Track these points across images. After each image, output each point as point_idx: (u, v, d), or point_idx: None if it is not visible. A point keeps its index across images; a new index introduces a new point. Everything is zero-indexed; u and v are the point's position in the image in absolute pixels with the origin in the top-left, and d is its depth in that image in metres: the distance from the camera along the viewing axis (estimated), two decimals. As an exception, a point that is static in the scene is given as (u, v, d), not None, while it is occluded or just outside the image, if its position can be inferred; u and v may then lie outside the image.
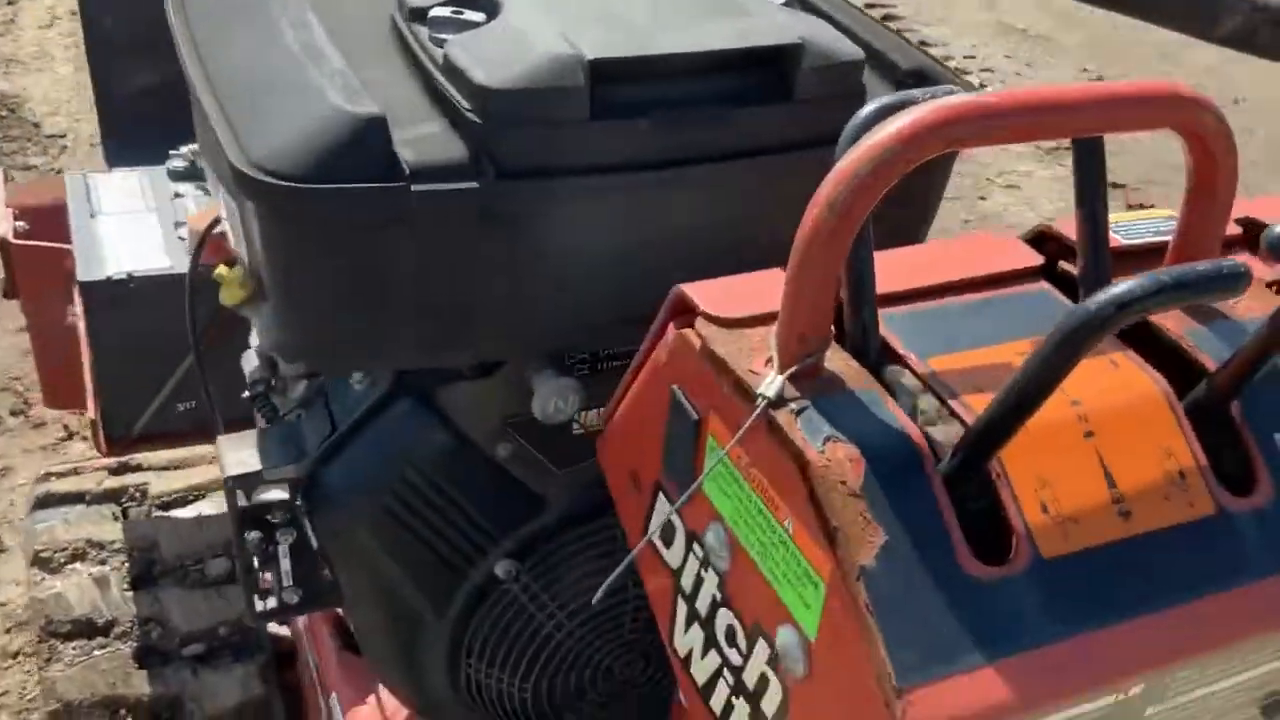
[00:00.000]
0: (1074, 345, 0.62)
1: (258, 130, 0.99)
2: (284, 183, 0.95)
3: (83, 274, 1.60)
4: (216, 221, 1.43)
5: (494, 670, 1.34)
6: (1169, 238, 0.91)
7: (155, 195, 1.78)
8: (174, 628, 1.88)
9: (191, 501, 2.05)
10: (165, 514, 2.01)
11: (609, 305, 1.11)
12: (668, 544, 0.91)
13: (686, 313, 0.83)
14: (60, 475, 2.04)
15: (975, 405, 0.74)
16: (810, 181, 1.11)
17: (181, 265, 1.66)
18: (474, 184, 0.98)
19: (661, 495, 0.90)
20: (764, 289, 0.82)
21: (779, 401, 0.71)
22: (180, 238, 1.70)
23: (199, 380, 1.43)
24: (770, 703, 0.80)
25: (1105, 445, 0.75)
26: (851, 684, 0.70)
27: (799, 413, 0.71)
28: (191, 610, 1.90)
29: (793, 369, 0.72)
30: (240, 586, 1.32)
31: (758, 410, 0.71)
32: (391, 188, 0.96)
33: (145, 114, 2.12)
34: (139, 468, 2.10)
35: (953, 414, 0.74)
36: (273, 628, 1.95)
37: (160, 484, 2.05)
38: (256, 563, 1.26)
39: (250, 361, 1.38)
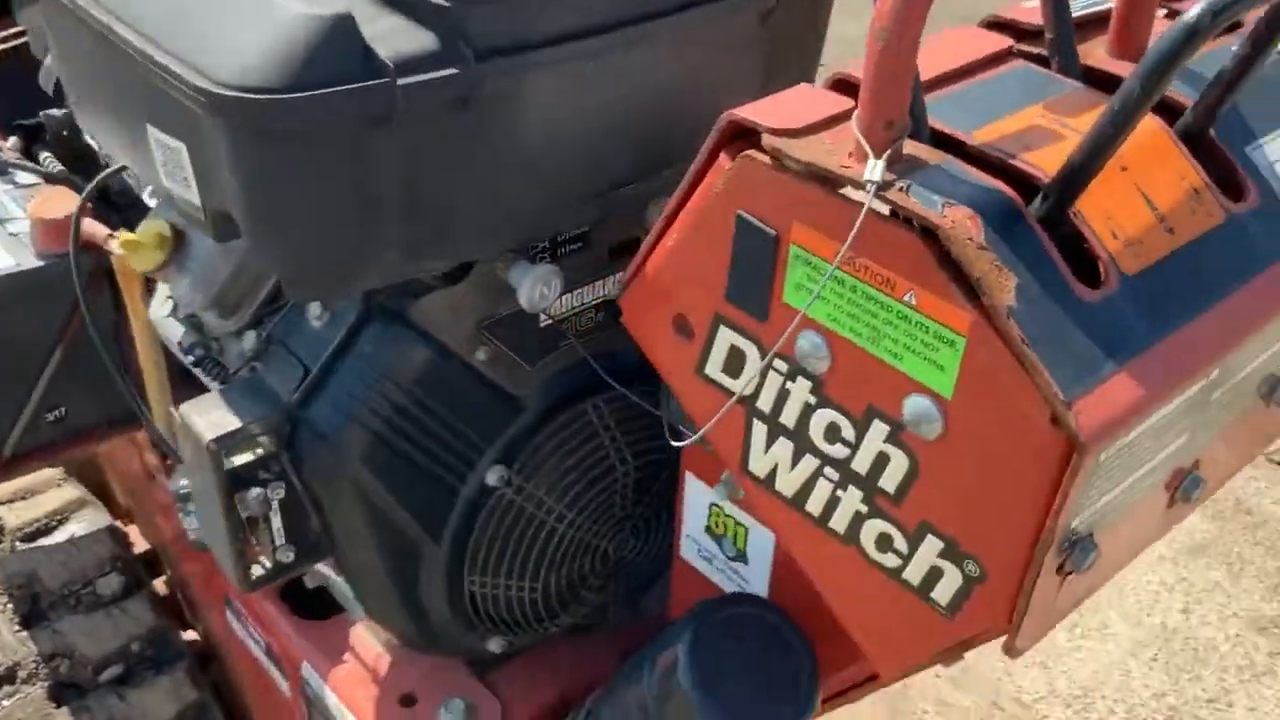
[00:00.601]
0: (1177, 54, 0.70)
1: (215, 52, 0.93)
2: (267, 96, 0.90)
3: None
4: (92, 195, 1.33)
5: (499, 580, 1.34)
6: (1097, 8, 1.02)
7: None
8: (83, 656, 1.75)
9: (56, 526, 1.89)
10: (33, 545, 1.84)
11: (583, 181, 1.13)
12: (734, 374, 0.96)
13: (739, 139, 0.87)
14: (-103, 534, 1.83)
15: (1036, 161, 0.82)
16: (747, 30, 1.18)
17: (25, 261, 1.52)
18: (455, 70, 0.97)
19: (723, 327, 0.94)
20: (805, 101, 0.87)
21: (885, 184, 0.77)
22: (12, 234, 1.55)
23: (115, 369, 1.33)
24: (892, 477, 0.86)
25: (1137, 177, 0.85)
26: (1001, 421, 0.77)
27: (907, 189, 0.76)
28: (96, 635, 1.77)
29: (887, 153, 0.77)
30: (223, 562, 1.25)
31: (870, 195, 0.76)
32: (378, 85, 0.93)
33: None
34: (-20, 507, 1.91)
35: (1021, 171, 0.82)
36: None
37: (13, 517, 1.88)
38: (247, 527, 1.20)
39: (174, 330, 1.30)
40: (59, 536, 1.88)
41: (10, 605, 1.77)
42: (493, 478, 1.28)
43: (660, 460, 1.39)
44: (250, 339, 1.24)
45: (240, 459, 1.16)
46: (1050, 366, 0.73)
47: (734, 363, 0.95)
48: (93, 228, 1.48)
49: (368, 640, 1.55)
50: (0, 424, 1.56)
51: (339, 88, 0.92)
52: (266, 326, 1.23)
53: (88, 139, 1.69)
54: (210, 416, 1.16)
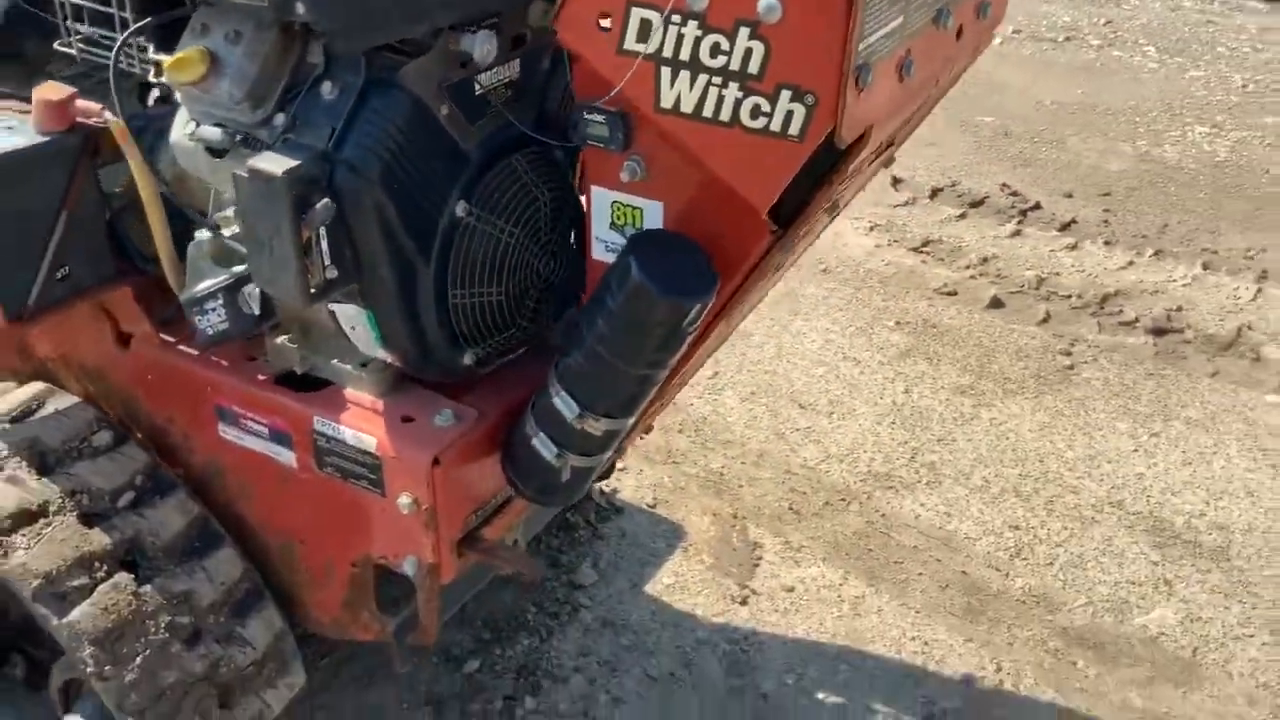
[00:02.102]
0: None
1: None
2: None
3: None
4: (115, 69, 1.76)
5: (473, 289, 1.87)
6: None
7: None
8: (99, 490, 2.08)
9: (38, 408, 2.20)
10: (25, 420, 2.16)
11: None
12: (645, 39, 1.56)
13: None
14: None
15: None
16: None
17: (32, 139, 1.89)
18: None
19: (633, 9, 1.54)
20: None
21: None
22: (9, 127, 1.91)
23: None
24: (755, 62, 1.49)
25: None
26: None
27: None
28: (105, 473, 2.11)
29: None
30: (285, 285, 1.70)
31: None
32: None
33: None
34: (-39, 405, 2.19)
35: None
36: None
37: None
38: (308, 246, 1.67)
39: (211, 134, 1.74)
40: (46, 411, 2.19)
41: (23, 463, 2.07)
42: (460, 210, 1.81)
43: (562, 198, 1.96)
44: (280, 119, 1.71)
45: (301, 188, 1.63)
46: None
47: (644, 31, 1.55)
48: (87, 106, 1.90)
49: (359, 395, 2.01)
50: (25, 280, 1.91)
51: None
52: (290, 109, 1.71)
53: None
54: (274, 162, 1.63)
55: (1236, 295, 4.52)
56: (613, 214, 1.84)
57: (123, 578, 2.02)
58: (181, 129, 1.80)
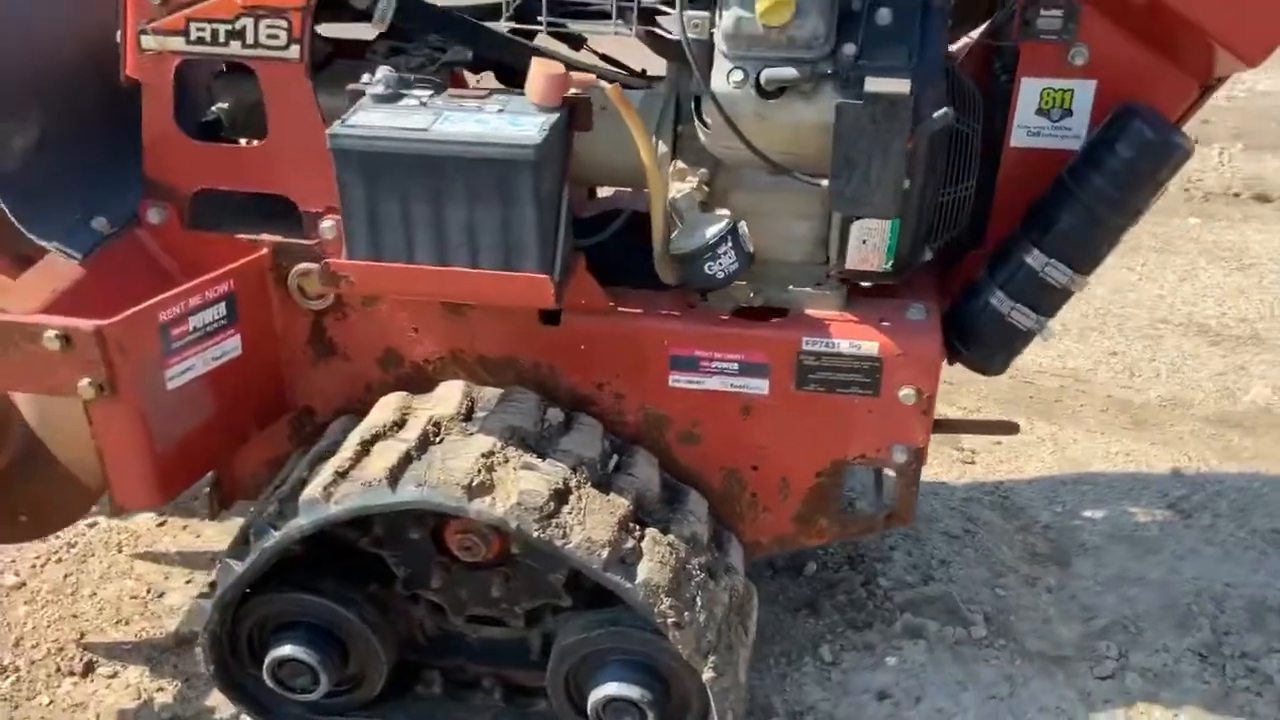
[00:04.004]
0: None
1: None
2: None
3: (521, 143, 1.77)
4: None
5: (956, 185, 2.07)
6: None
7: (405, 116, 1.87)
8: (592, 459, 2.11)
9: (473, 406, 2.16)
10: (474, 416, 2.12)
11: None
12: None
13: None
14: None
15: None
16: None
17: (539, 118, 1.88)
18: None
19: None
20: None
21: None
22: (500, 110, 1.88)
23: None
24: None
25: None
26: None
27: None
28: (584, 444, 2.13)
29: None
30: (878, 201, 1.85)
31: None
32: None
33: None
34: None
35: None
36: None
37: (442, 409, 2.12)
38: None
39: (785, 74, 1.82)
40: (486, 404, 2.13)
41: (520, 451, 2.03)
42: (950, 116, 2.00)
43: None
44: (849, 48, 1.83)
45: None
46: None
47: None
48: (582, 77, 1.92)
49: (823, 309, 2.15)
50: (551, 255, 1.90)
51: None
52: (856, 38, 1.83)
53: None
54: (892, 84, 1.77)
55: (1103, 149, 5.32)
56: (1040, 100, 2.11)
57: (652, 532, 2.07)
58: (723, 79, 1.87)
